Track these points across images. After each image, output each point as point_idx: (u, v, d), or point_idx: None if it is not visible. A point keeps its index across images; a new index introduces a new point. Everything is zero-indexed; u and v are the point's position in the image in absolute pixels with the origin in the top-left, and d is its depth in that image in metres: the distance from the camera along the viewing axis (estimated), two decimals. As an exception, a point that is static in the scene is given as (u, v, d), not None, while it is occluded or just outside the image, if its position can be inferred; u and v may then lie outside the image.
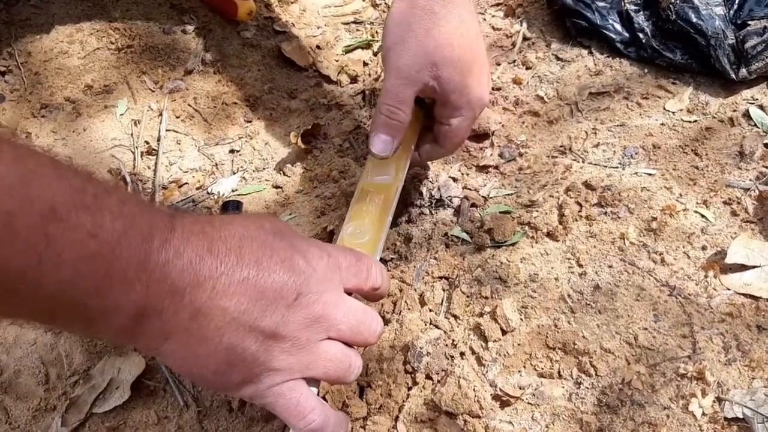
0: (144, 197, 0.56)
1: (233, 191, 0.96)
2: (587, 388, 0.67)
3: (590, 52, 1.02)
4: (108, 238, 0.45)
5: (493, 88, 1.00)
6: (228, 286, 0.51)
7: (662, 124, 0.91)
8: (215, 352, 0.52)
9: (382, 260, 0.81)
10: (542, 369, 0.69)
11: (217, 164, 0.99)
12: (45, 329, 0.78)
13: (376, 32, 1.15)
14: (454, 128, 0.79)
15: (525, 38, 1.07)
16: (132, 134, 1.02)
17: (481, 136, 0.94)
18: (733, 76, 0.92)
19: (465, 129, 0.79)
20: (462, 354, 0.71)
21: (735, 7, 0.95)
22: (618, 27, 1.00)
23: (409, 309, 0.76)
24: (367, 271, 0.62)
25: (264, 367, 0.54)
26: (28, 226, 0.42)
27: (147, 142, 1.01)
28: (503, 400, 0.68)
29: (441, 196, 0.87)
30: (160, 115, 1.03)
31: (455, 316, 0.74)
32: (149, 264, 0.48)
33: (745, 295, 0.72)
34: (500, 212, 0.83)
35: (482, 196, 0.86)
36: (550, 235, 0.79)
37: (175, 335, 0.51)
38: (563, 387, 0.68)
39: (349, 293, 0.60)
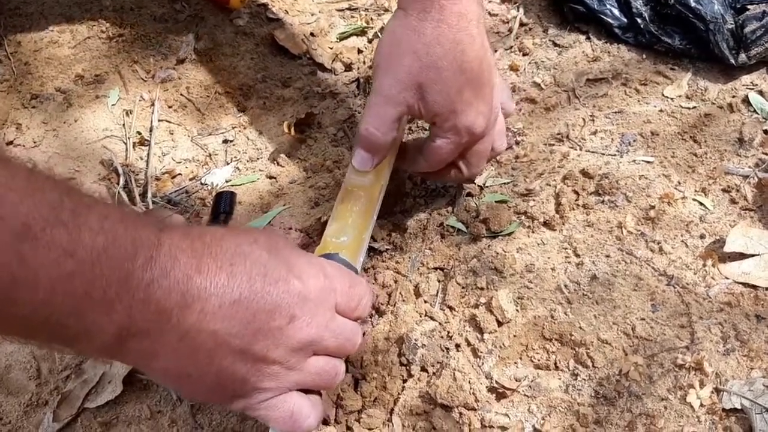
0: (131, 209, 0.55)
1: (227, 182, 0.94)
2: (584, 379, 0.66)
3: (588, 38, 1.00)
4: (86, 256, 0.43)
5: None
6: (218, 308, 0.49)
7: (661, 110, 0.89)
8: (205, 373, 0.51)
9: (376, 250, 0.80)
10: (538, 361, 0.68)
11: (210, 154, 0.98)
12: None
13: (371, 19, 1.13)
14: (436, 147, 0.74)
15: (522, 24, 1.06)
16: (124, 124, 1.00)
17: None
18: (733, 61, 0.91)
19: (448, 152, 0.74)
20: (457, 346, 0.70)
21: (734, -10, 0.94)
22: (616, 12, 0.99)
23: (403, 300, 0.75)
24: (358, 301, 0.61)
25: (254, 386, 0.53)
26: (1, 246, 0.40)
27: (139, 133, 0.99)
28: (499, 393, 0.67)
29: (436, 186, 0.86)
30: (152, 105, 1.02)
31: (450, 308, 0.74)
32: (132, 283, 0.45)
33: (743, 284, 0.71)
34: (496, 201, 0.82)
35: (478, 185, 0.85)
36: (546, 224, 0.78)
37: (162, 355, 0.49)
38: (560, 379, 0.67)
39: None
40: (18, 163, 0.43)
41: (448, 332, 0.72)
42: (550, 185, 0.82)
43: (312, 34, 1.11)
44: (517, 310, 0.71)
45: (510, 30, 1.05)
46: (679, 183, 0.80)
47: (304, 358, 0.55)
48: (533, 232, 0.78)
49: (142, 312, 0.46)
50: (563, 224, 0.78)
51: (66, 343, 0.46)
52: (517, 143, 0.90)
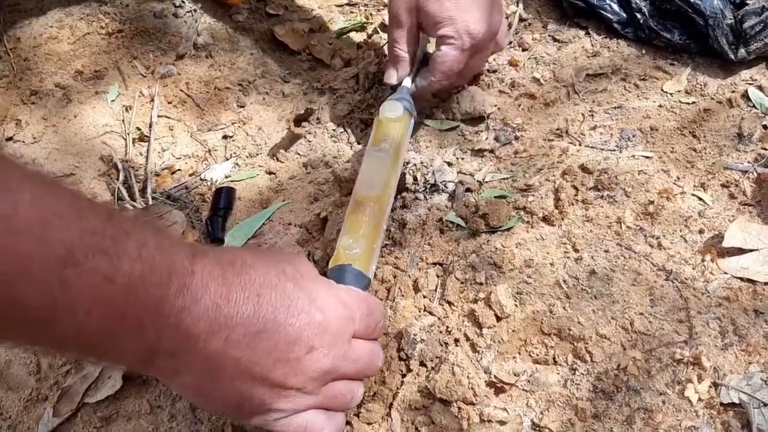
0: (167, 234, 0.56)
1: (226, 177, 0.95)
2: (582, 374, 0.67)
3: (587, 33, 1.00)
4: (124, 282, 0.45)
5: (488, 71, 0.98)
6: (243, 337, 0.52)
7: (660, 105, 0.89)
8: (225, 395, 0.54)
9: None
10: (537, 355, 0.68)
11: (210, 150, 0.98)
12: None
13: (370, 14, 1.13)
14: (442, 54, 0.85)
15: (521, 19, 1.05)
16: (123, 120, 1.00)
17: (476, 120, 0.93)
18: (732, 56, 0.91)
19: (453, 58, 0.85)
20: (456, 341, 0.70)
21: (734, -15, 0.94)
22: (615, 7, 0.99)
23: (402, 295, 0.75)
24: (375, 326, 0.63)
25: (270, 407, 0.55)
26: (45, 270, 0.42)
27: (139, 129, 0.99)
28: (498, 387, 0.67)
29: (435, 181, 0.86)
30: (152, 100, 1.02)
31: (449, 303, 0.74)
32: (165, 309, 0.48)
33: (742, 279, 0.71)
34: (495, 197, 0.82)
35: (477, 181, 0.85)
36: (545, 219, 0.78)
37: (186, 373, 0.52)
38: (558, 373, 0.67)
39: None
40: (64, 188, 0.45)
41: (447, 327, 0.72)
42: (549, 180, 0.82)
43: (311, 30, 1.11)
44: (515, 305, 0.71)
45: (509, 25, 1.04)
46: (678, 178, 0.80)
47: (320, 385, 0.57)
48: (532, 227, 0.78)
49: (171, 335, 0.49)
50: (562, 219, 0.78)
51: (95, 358, 0.50)
52: (517, 138, 0.90)
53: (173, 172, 0.96)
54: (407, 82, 0.90)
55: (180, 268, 0.49)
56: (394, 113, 0.85)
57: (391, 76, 0.90)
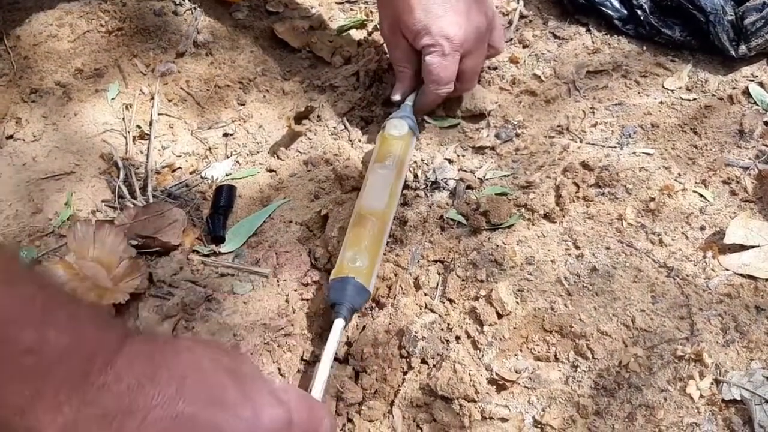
0: (103, 312, 0.55)
1: (227, 175, 0.94)
2: (584, 371, 0.67)
3: (588, 30, 1.00)
4: (48, 354, 0.43)
5: (489, 68, 0.98)
6: (160, 420, 0.47)
7: (661, 102, 0.89)
8: None
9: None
10: (538, 352, 0.68)
11: (210, 148, 0.98)
12: None
13: (371, 12, 1.13)
14: (427, 64, 0.86)
15: (522, 16, 1.05)
16: (123, 118, 1.00)
17: (477, 117, 0.93)
18: (733, 53, 0.91)
19: (437, 65, 0.85)
20: (457, 338, 0.71)
21: (734, -18, 0.93)
22: (616, 4, 0.98)
23: (403, 293, 0.75)
24: (316, 428, 0.57)
25: None
26: None
27: (139, 127, 0.99)
28: (499, 384, 0.67)
29: (436, 178, 0.86)
30: (152, 98, 1.02)
31: (450, 300, 0.74)
32: (85, 385, 0.45)
33: (743, 275, 0.71)
34: (496, 194, 0.82)
35: (478, 178, 0.85)
36: (546, 216, 0.78)
37: None
38: (560, 370, 0.67)
39: None
40: None
41: (448, 324, 0.72)
42: (550, 177, 0.82)
43: (311, 28, 1.11)
44: (517, 303, 0.71)
45: (510, 22, 1.04)
46: (680, 175, 0.80)
47: None
48: (533, 224, 0.78)
49: (86, 416, 0.45)
50: (563, 216, 0.78)
51: None
52: (517, 135, 0.90)
53: (174, 170, 0.96)
54: (410, 99, 0.91)
55: (108, 344, 0.47)
56: (398, 131, 0.86)
57: (395, 93, 0.92)
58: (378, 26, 0.92)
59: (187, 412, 0.48)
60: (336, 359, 0.72)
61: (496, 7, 1.07)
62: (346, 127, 0.97)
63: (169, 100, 1.02)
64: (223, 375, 0.52)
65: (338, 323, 0.70)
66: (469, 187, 0.84)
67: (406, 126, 0.86)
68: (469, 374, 0.67)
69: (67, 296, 0.46)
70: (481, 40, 0.87)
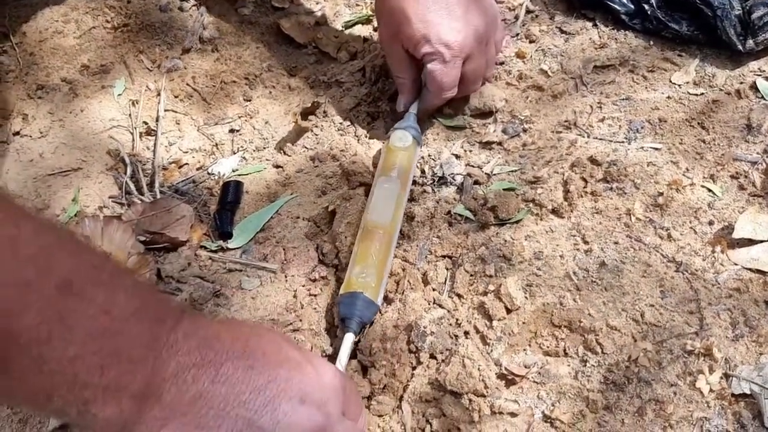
0: (156, 287, 0.59)
1: (234, 171, 0.94)
2: (593, 365, 0.67)
3: (595, 25, 1.00)
4: (120, 315, 0.45)
5: (495, 63, 0.98)
6: (232, 373, 0.49)
7: (668, 97, 0.89)
8: None
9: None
10: (548, 347, 0.68)
11: (217, 144, 0.98)
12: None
13: (376, 7, 1.13)
14: (428, 72, 0.86)
15: (528, 11, 1.05)
16: (130, 114, 1.00)
17: (484, 113, 0.93)
18: (740, 47, 0.91)
19: (439, 72, 0.85)
20: (466, 333, 0.71)
21: (742, -24, 0.93)
22: (623, -2, 0.98)
23: (412, 288, 0.75)
24: (358, 407, 0.60)
25: None
26: (44, 299, 0.41)
27: (146, 123, 0.99)
28: (508, 379, 0.67)
29: (443, 174, 0.86)
30: (158, 95, 1.02)
31: (459, 295, 0.74)
32: (158, 344, 0.47)
33: (752, 270, 0.71)
34: (504, 189, 0.82)
35: (485, 173, 0.85)
36: (555, 211, 0.78)
37: (171, 422, 0.47)
38: (569, 365, 0.67)
39: None
40: (63, 228, 0.46)
41: (457, 320, 0.72)
42: (558, 173, 0.82)
43: (317, 23, 1.10)
44: (526, 298, 0.71)
45: (516, 17, 1.04)
46: (688, 170, 0.80)
47: None
48: (541, 219, 0.78)
49: (161, 372, 0.47)
50: (571, 211, 0.78)
51: (80, 406, 0.45)
52: (525, 131, 0.90)
53: (180, 166, 0.96)
54: (414, 108, 0.91)
55: (173, 308, 0.50)
56: (403, 143, 0.86)
57: (398, 104, 0.92)
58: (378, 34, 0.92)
59: (257, 364, 0.51)
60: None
61: (502, 2, 1.07)
62: (352, 123, 0.97)
63: (176, 96, 1.02)
64: (280, 339, 0.55)
65: (348, 337, 0.71)
66: (476, 182, 0.84)
67: (410, 137, 0.86)
68: (479, 369, 0.67)
69: (130, 269, 0.50)
70: (481, 42, 0.87)
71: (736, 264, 0.72)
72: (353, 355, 0.73)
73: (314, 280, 0.80)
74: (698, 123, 0.85)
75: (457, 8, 0.85)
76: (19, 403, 0.58)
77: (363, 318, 0.72)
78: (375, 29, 1.10)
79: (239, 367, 0.50)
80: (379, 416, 0.68)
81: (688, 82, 0.91)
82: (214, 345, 0.50)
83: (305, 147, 0.95)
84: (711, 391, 0.64)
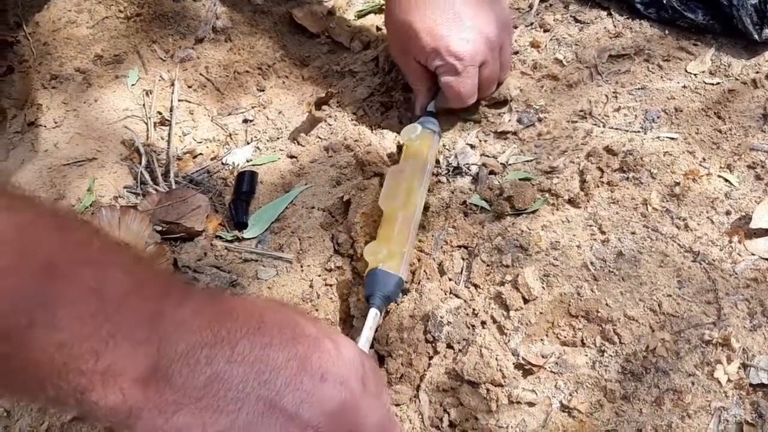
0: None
1: (248, 161, 0.95)
2: (611, 356, 0.67)
3: (609, 14, 0.99)
4: (114, 294, 0.41)
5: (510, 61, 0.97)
6: (249, 352, 0.46)
7: (684, 86, 0.89)
8: (231, 428, 0.45)
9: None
10: (565, 337, 0.68)
11: (230, 134, 0.98)
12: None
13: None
14: (444, 83, 0.86)
15: (542, 0, 1.04)
16: (144, 104, 1.00)
17: (498, 102, 0.92)
18: (756, 37, 0.90)
19: (455, 83, 0.85)
20: (483, 323, 0.71)
21: (759, -36, 0.92)
22: (638, -13, 0.97)
23: (428, 278, 0.76)
24: (381, 384, 0.58)
25: None
26: (22, 283, 0.38)
27: (159, 113, 1.00)
28: (526, 369, 0.67)
29: (458, 164, 0.86)
30: (172, 84, 1.02)
31: (475, 286, 0.74)
32: (163, 322, 0.43)
33: (770, 260, 0.71)
34: (520, 179, 0.82)
35: (501, 163, 0.85)
36: (571, 201, 0.78)
37: (185, 407, 0.44)
38: (587, 355, 0.67)
39: None
40: (43, 204, 0.42)
41: (474, 310, 0.72)
42: (573, 162, 0.81)
43: (330, 13, 1.10)
44: (543, 288, 0.71)
45: (530, 6, 1.04)
46: (704, 159, 0.80)
47: (339, 430, 0.49)
48: (558, 209, 0.78)
49: (169, 353, 0.44)
50: (588, 201, 0.78)
51: (78, 395, 0.41)
52: (540, 120, 0.89)
53: (195, 156, 0.96)
54: (431, 106, 0.91)
55: (177, 285, 0.46)
56: (412, 134, 0.86)
57: (416, 108, 0.93)
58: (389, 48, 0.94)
59: (274, 343, 0.47)
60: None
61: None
62: (366, 113, 0.97)
63: (189, 86, 1.03)
64: (296, 314, 0.52)
65: (371, 313, 0.71)
66: (491, 172, 0.84)
67: (419, 127, 0.87)
68: (496, 359, 0.68)
69: (126, 245, 0.44)
70: (494, 48, 0.86)
71: (753, 254, 0.72)
72: (370, 345, 0.73)
73: (330, 270, 0.80)
74: (714, 113, 0.85)
75: (465, 18, 0.84)
76: (17, 396, 0.54)
77: (384, 291, 0.71)
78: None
79: (256, 345, 0.47)
80: (397, 405, 0.69)
81: (703, 72, 0.90)
82: (226, 322, 0.46)
83: (319, 137, 0.95)
84: (729, 381, 0.64)
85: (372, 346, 0.73)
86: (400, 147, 0.90)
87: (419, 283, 0.76)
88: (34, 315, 0.38)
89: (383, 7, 1.10)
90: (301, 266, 0.80)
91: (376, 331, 0.73)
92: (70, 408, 0.44)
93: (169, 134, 0.97)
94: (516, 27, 1.01)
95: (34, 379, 0.40)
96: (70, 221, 0.43)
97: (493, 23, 0.85)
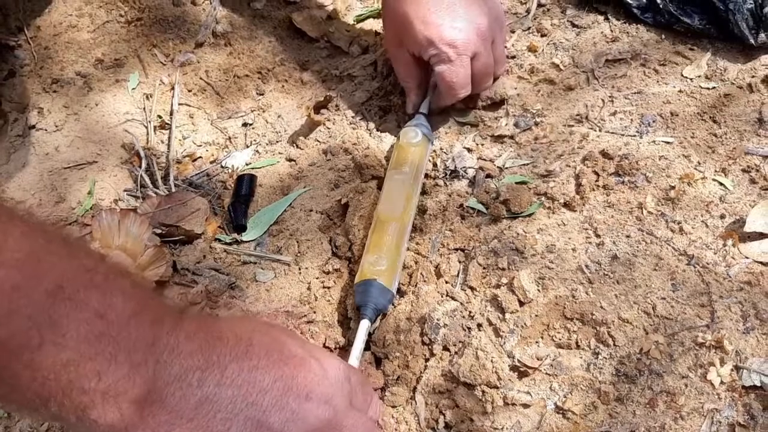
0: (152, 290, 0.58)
1: (247, 164, 0.95)
2: (605, 358, 0.67)
3: (606, 19, 1.00)
4: (117, 318, 0.44)
5: (507, 56, 0.98)
6: (237, 375, 0.49)
7: (680, 91, 0.89)
8: None
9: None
10: (560, 340, 0.69)
11: (230, 138, 0.99)
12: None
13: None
14: (437, 73, 0.87)
15: (540, 5, 1.05)
16: (144, 108, 1.01)
17: (496, 105, 0.93)
18: (752, 41, 0.91)
19: (448, 72, 0.86)
20: (479, 325, 0.71)
21: (755, -31, 0.93)
22: (635, -8, 0.98)
23: (425, 281, 0.76)
24: (370, 398, 0.62)
25: None
26: (33, 304, 0.40)
27: (160, 116, 1.00)
28: (521, 371, 0.68)
29: (455, 167, 0.87)
30: (172, 88, 1.03)
31: (472, 288, 0.74)
32: (158, 346, 0.46)
33: (763, 263, 0.71)
34: (516, 183, 0.82)
35: (497, 167, 0.86)
36: (567, 205, 0.79)
37: (177, 427, 0.47)
38: (581, 357, 0.68)
39: None
40: (55, 229, 0.45)
41: (470, 312, 0.73)
42: (570, 166, 0.82)
43: (329, 17, 1.11)
44: (538, 290, 0.72)
45: (528, 11, 1.04)
46: (699, 163, 0.81)
47: None
48: (554, 212, 0.78)
49: (163, 375, 0.46)
50: (583, 205, 0.78)
51: (79, 413, 0.44)
52: (536, 124, 0.90)
53: (194, 160, 0.97)
54: (424, 107, 0.92)
55: (171, 310, 0.49)
56: (414, 139, 0.87)
57: (407, 106, 0.94)
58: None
59: (261, 364, 0.51)
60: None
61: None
62: (364, 117, 0.98)
63: (189, 90, 1.03)
64: (284, 336, 0.55)
65: (363, 324, 0.72)
66: (488, 175, 0.85)
67: (420, 134, 0.87)
68: (491, 361, 0.68)
69: (127, 271, 0.48)
70: (486, 39, 0.87)
71: (747, 257, 0.72)
72: (367, 347, 0.73)
73: (328, 273, 0.80)
74: (710, 117, 0.85)
75: (458, 7, 0.85)
76: (18, 409, 0.57)
77: (378, 305, 0.73)
78: (386, 23, 1.11)
79: (244, 368, 0.50)
80: (393, 407, 0.69)
81: (699, 76, 0.91)
82: (216, 347, 0.50)
83: (318, 140, 0.96)
84: (722, 383, 0.64)
85: (369, 349, 0.74)
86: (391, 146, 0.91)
87: (416, 285, 0.76)
88: (44, 334, 0.41)
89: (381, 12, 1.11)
90: (299, 268, 0.81)
91: (371, 334, 0.74)
92: (68, 424, 0.45)
93: (169, 138, 0.98)
94: (513, 31, 1.02)
95: (38, 395, 0.42)
96: (78, 248, 0.46)
97: (486, 15, 0.87)
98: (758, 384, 0.64)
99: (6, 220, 0.42)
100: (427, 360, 0.71)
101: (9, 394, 0.43)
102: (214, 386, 0.48)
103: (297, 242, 0.84)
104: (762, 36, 0.90)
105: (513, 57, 0.98)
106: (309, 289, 0.79)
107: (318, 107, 0.99)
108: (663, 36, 0.96)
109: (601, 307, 0.70)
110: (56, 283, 0.42)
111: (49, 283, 0.41)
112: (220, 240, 0.86)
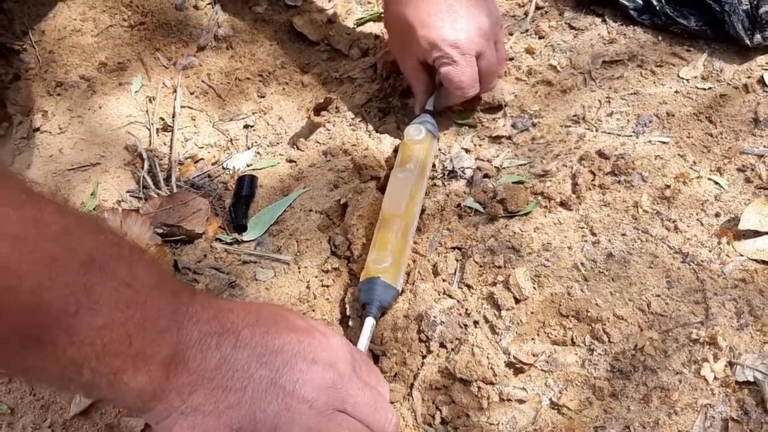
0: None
1: (248, 166, 0.96)
2: (600, 354, 0.68)
3: (603, 20, 1.01)
4: (142, 287, 0.48)
5: (505, 59, 0.99)
6: (250, 339, 0.54)
7: (676, 91, 0.90)
8: (239, 403, 0.53)
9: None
10: (555, 336, 0.70)
11: (231, 139, 1.00)
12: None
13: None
14: (443, 74, 0.87)
15: (538, 7, 1.06)
16: (147, 111, 1.03)
17: (493, 107, 0.94)
18: (748, 42, 0.91)
19: (454, 73, 0.86)
20: (475, 323, 0.72)
21: (750, -29, 0.94)
22: (631, -6, 0.99)
23: (422, 279, 0.77)
24: (375, 376, 0.64)
25: (285, 428, 0.55)
26: (69, 273, 0.44)
27: (162, 119, 1.02)
28: (517, 368, 0.69)
29: (453, 167, 0.87)
30: (175, 91, 1.04)
31: (468, 286, 0.75)
32: (179, 314, 0.51)
33: (757, 261, 0.72)
34: (513, 182, 0.83)
35: (495, 167, 0.86)
36: (563, 204, 0.79)
37: (199, 388, 0.52)
38: (576, 354, 0.69)
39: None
40: (83, 212, 0.49)
41: (467, 309, 0.73)
42: (566, 166, 0.83)
43: (330, 21, 1.12)
44: (534, 288, 0.73)
45: (526, 13, 1.05)
46: (695, 163, 0.81)
47: (332, 404, 0.57)
48: (550, 211, 0.79)
49: (186, 340, 0.51)
50: (580, 204, 0.79)
51: (111, 377, 0.48)
52: (534, 125, 0.91)
53: (196, 161, 0.98)
54: (429, 105, 0.93)
55: (186, 285, 0.54)
56: (417, 136, 0.88)
57: (415, 108, 0.94)
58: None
59: (271, 330, 0.56)
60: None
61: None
62: (364, 118, 0.99)
63: (191, 93, 1.05)
64: (286, 311, 0.60)
65: (368, 321, 0.72)
66: (486, 175, 0.86)
67: (424, 130, 0.88)
68: (487, 357, 0.69)
69: (141, 246, 0.53)
70: (489, 39, 0.88)
71: (741, 255, 0.73)
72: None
73: (327, 272, 0.81)
74: (706, 117, 0.86)
75: (458, 9, 0.86)
76: (49, 381, 0.59)
77: (382, 302, 0.74)
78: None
79: (256, 333, 0.55)
80: (390, 403, 0.70)
81: (696, 77, 0.92)
82: (229, 316, 0.54)
83: (318, 142, 0.97)
84: (716, 378, 0.65)
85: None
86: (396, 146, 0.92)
87: (413, 283, 0.77)
88: (80, 300, 0.44)
89: (382, 14, 1.12)
90: (299, 268, 0.82)
91: (370, 330, 0.75)
92: (98, 391, 0.49)
93: (171, 140, 0.99)
94: (512, 34, 1.03)
95: (73, 361, 0.46)
96: (105, 226, 0.50)
97: (486, 15, 0.87)
98: (751, 379, 0.64)
99: (39, 198, 0.45)
100: (424, 357, 0.72)
101: (48, 360, 0.46)
102: (231, 349, 0.53)
103: (297, 242, 0.85)
104: (757, 37, 0.91)
105: (511, 59, 0.99)
106: (308, 287, 0.80)
107: (318, 109, 1.00)
108: (660, 37, 0.97)
109: (597, 304, 0.71)
110: (89, 255, 0.45)
111: (82, 254, 0.45)
112: (220, 240, 0.87)
